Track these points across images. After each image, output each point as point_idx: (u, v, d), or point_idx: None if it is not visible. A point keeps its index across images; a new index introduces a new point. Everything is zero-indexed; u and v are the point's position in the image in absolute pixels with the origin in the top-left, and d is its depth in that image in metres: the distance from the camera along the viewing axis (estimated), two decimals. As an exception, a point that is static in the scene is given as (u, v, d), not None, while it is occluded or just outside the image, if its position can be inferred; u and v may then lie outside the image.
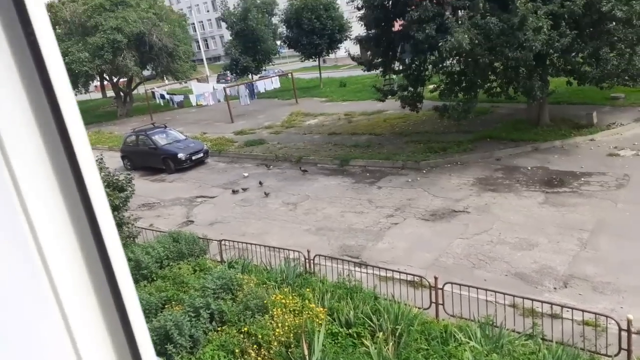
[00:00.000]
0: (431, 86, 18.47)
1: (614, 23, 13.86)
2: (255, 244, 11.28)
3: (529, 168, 14.76)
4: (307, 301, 8.47)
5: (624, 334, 6.63)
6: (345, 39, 37.64)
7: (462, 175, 15.12)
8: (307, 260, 10.23)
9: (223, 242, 11.42)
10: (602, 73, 14.93)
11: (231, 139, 24.75)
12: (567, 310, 7.44)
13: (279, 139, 23.50)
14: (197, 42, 76.46)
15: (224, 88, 31.78)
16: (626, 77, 15.54)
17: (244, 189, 16.95)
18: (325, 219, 13.54)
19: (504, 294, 7.83)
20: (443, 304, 8.22)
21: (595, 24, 14.47)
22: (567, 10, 13.83)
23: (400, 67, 19.00)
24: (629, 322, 6.61)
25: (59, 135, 0.73)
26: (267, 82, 33.47)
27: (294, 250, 10.69)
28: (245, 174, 18.74)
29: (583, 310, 7.28)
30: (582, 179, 13.30)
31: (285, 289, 8.98)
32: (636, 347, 6.80)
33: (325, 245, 11.93)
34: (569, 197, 12.42)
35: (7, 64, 0.68)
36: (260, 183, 17.22)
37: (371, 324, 7.68)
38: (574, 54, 15.31)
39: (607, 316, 7.08)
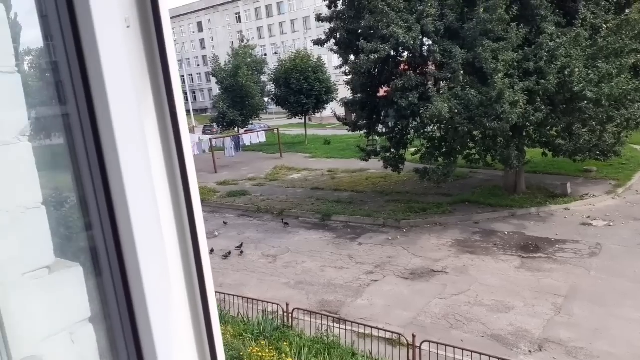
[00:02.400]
0: (413, 149, 19.12)
1: (585, 102, 14.77)
2: (233, 295, 11.18)
3: (506, 233, 15.15)
4: (284, 355, 8.39)
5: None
6: (332, 100, 38.94)
7: (442, 236, 15.40)
8: (285, 314, 10.17)
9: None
10: (575, 147, 15.72)
11: (214, 189, 24.84)
12: (542, 374, 7.52)
13: (262, 191, 23.70)
14: (186, 93, 78.05)
15: (210, 139, 32.23)
16: (597, 152, 16.38)
17: (238, 248, 15.85)
18: (304, 273, 13.53)
19: (480, 354, 7.89)
20: (420, 363, 8.21)
21: (568, 102, 15.38)
22: (542, 88, 14.73)
23: (384, 130, 19.69)
24: (601, 386, 6.71)
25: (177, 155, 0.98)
26: (253, 136, 34.11)
27: (272, 303, 10.64)
28: (217, 233, 17.69)
29: (557, 374, 7.37)
30: (557, 246, 13.69)
31: (262, 342, 8.89)
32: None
33: (304, 299, 11.88)
34: (544, 262, 12.73)
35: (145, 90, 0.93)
36: (224, 222, 17.13)
37: (348, 380, 7.61)
38: (548, 127, 16.13)
39: (580, 380, 7.17)
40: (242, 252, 15.68)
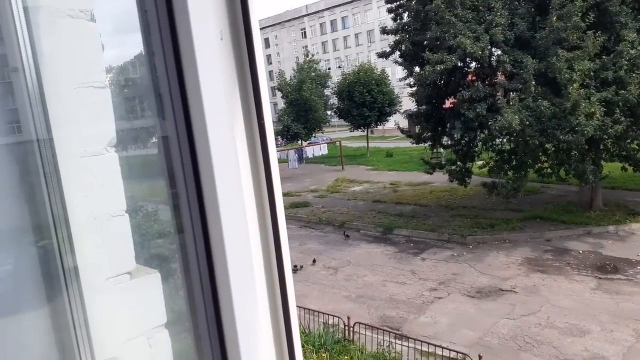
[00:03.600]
0: (480, 162, 18.54)
1: (671, 112, 13.76)
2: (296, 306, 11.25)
3: (580, 252, 14.25)
4: (344, 368, 8.32)
5: None
6: (395, 113, 38.68)
7: (510, 253, 14.74)
8: (346, 327, 10.11)
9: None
10: (658, 161, 14.63)
11: (277, 200, 25.25)
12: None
13: (324, 202, 23.84)
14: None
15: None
16: (684, 167, 15.13)
17: (313, 263, 15.56)
18: (366, 287, 13.39)
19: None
20: (487, 385, 7.85)
21: (651, 113, 14.40)
22: (622, 99, 13.88)
23: (449, 142, 19.26)
24: None
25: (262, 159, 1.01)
26: (316, 149, 34.49)
27: (333, 316, 10.61)
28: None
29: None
30: (638, 268, 12.70)
31: (323, 354, 8.87)
32: None
33: (365, 313, 11.75)
34: (624, 285, 11.84)
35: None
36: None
37: (410, 398, 7.41)
38: (629, 140, 15.16)
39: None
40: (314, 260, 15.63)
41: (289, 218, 21.80)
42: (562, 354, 9.20)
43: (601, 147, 15.81)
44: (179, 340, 1.20)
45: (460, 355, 8.67)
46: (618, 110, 14.20)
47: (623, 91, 13.86)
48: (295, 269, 15.04)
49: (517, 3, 15.92)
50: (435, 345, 8.93)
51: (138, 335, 1.20)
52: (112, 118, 1.25)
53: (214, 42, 0.92)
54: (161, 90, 0.98)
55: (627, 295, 11.25)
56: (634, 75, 13.78)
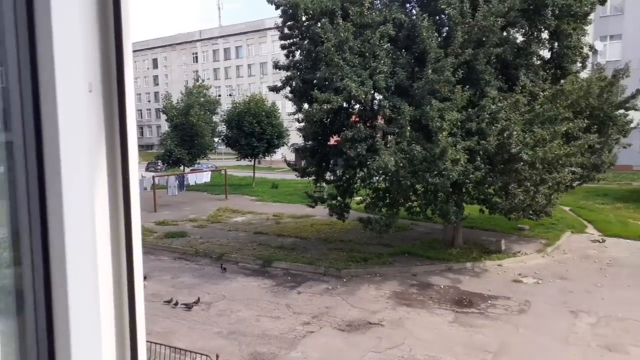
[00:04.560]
0: (358, 198, 19.33)
1: (521, 164, 15.56)
2: (159, 344, 10.51)
3: (442, 286, 15.32)
4: (206, 410, 7.86)
5: None
6: (283, 145, 39.19)
7: (380, 287, 15.37)
8: (213, 365, 9.63)
9: (124, 338, 10.54)
10: (510, 205, 16.37)
11: (151, 228, 23.91)
12: None
13: (202, 233, 23.04)
14: (134, 128, 76.13)
15: (153, 177, 31.38)
16: (530, 212, 17.11)
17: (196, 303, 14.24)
18: (239, 322, 13.01)
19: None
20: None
21: (505, 162, 16.14)
22: (482, 148, 15.41)
23: (332, 178, 19.86)
24: None
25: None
26: (199, 176, 33.59)
27: (201, 354, 10.07)
28: (144, 283, 16.43)
29: None
30: (489, 302, 13.94)
31: (185, 395, 8.31)
32: None
33: (235, 350, 11.36)
34: (476, 318, 12.89)
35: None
36: (145, 277, 15.98)
37: None
38: (486, 185, 16.78)
39: None
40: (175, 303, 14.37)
41: (162, 249, 20.69)
42: (420, 386, 9.64)
43: (463, 190, 17.33)
44: None
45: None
46: (479, 158, 15.71)
47: (484, 141, 15.40)
48: (188, 307, 14.02)
49: (399, 53, 17.17)
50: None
51: None
52: None
53: (80, 94, 0.87)
54: (15, 148, 0.90)
55: (479, 327, 12.24)
56: (493, 127, 15.41)
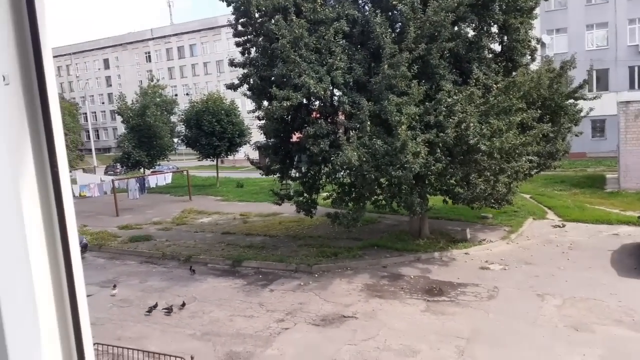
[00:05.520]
0: (324, 194, 19.47)
1: (480, 154, 16.06)
2: (132, 349, 10.32)
3: (412, 277, 15.68)
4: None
5: None
6: (245, 144, 38.85)
7: (352, 280, 15.58)
8: (190, 368, 9.54)
9: (96, 347, 10.29)
10: (472, 195, 16.89)
11: (115, 233, 23.31)
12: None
13: (168, 235, 22.64)
14: (88, 132, 73.93)
15: (112, 180, 30.53)
16: (492, 200, 17.72)
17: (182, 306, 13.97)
18: (212, 323, 12.91)
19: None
20: (331, 414, 8.04)
21: (465, 154, 16.62)
22: (441, 140, 15.80)
23: (297, 175, 19.90)
24: None
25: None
26: (160, 178, 32.90)
27: (175, 357, 9.94)
28: (114, 292, 15.52)
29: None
30: (459, 289, 14.39)
31: (164, 400, 8.21)
32: None
33: (210, 351, 11.29)
34: (447, 305, 13.28)
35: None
36: (114, 286, 15.66)
37: None
38: (448, 176, 17.22)
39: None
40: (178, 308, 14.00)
41: (127, 254, 20.22)
42: (397, 374, 9.87)
43: (426, 182, 17.73)
44: None
45: (306, 386, 8.76)
46: (439, 151, 16.09)
47: (442, 134, 15.80)
48: (168, 311, 13.68)
49: (354, 49, 17.34)
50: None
51: None
52: None
53: None
54: None
55: (450, 315, 12.63)
56: (450, 120, 15.82)
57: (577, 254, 16.97)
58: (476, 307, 13.03)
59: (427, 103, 16.30)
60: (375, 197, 18.14)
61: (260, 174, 21.73)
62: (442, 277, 15.50)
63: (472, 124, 15.49)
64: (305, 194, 19.15)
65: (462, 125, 15.59)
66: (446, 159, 16.14)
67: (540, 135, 18.14)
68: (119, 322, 13.22)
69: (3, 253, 0.83)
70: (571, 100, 21.02)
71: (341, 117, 18.04)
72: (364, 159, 15.32)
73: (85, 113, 77.79)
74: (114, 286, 15.69)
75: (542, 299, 13.32)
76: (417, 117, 15.98)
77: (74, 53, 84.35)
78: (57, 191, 0.92)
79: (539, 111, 18.18)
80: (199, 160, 41.36)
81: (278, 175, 20.19)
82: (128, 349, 10.38)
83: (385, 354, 10.71)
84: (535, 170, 20.52)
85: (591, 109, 21.67)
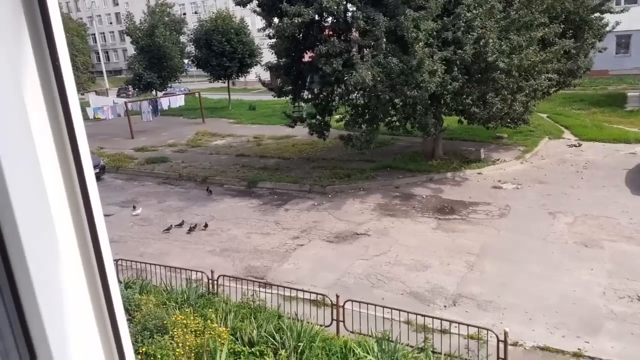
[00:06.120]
0: (337, 116, 19.33)
1: (498, 72, 15.58)
2: (155, 264, 10.87)
3: (424, 196, 15.89)
4: (209, 321, 8.32)
5: (502, 346, 7.37)
6: (256, 64, 38.02)
7: (365, 200, 15.86)
8: (210, 281, 10.07)
9: (119, 262, 10.84)
10: (488, 115, 16.63)
11: (131, 155, 23.68)
12: (455, 326, 8.12)
13: (184, 157, 22.95)
14: (98, 53, 72.73)
15: (125, 102, 30.47)
16: (508, 120, 17.46)
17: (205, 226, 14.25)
18: (230, 240, 13.42)
19: (400, 310, 8.34)
20: (344, 321, 8.53)
21: (482, 72, 16.16)
22: (459, 58, 15.31)
23: (309, 96, 19.63)
24: (505, 334, 7.38)
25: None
26: (172, 100, 32.73)
27: (196, 271, 10.48)
28: (138, 211, 15.99)
29: (468, 325, 7.98)
30: (470, 208, 14.60)
31: (187, 310, 8.74)
32: (511, 357, 7.59)
33: (229, 266, 11.82)
34: (458, 223, 13.56)
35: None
36: (134, 207, 16.14)
37: (274, 342, 7.75)
38: (464, 96, 16.89)
39: (488, 329, 7.81)
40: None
41: (145, 175, 20.65)
42: (408, 287, 10.33)
43: (441, 102, 17.43)
44: None
45: (320, 296, 9.23)
46: (456, 69, 15.65)
47: (460, 51, 15.28)
48: (190, 229, 14.12)
49: (370, -40, 16.37)
50: (297, 290, 9.37)
51: None
52: None
53: None
54: None
55: (461, 232, 12.93)
56: (469, 36, 15.22)
57: (591, 173, 16.93)
58: (487, 225, 13.29)
59: (445, 18, 15.61)
60: (389, 118, 17.96)
61: (272, 95, 21.49)
62: (454, 196, 15.69)
63: (491, 40, 14.90)
64: (318, 116, 19.01)
65: (480, 41, 15.01)
66: (463, 78, 15.73)
67: (562, 52, 17.46)
68: (141, 240, 13.80)
69: (10, 155, 0.80)
70: (597, 14, 19.95)
71: (355, 34, 17.40)
72: (379, 78, 14.98)
73: (94, 34, 76.10)
74: (134, 207, 16.18)
75: (553, 217, 13.49)
76: (434, 34, 15.38)
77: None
78: (60, 85, 0.86)
79: (562, 26, 17.34)
80: (210, 82, 40.84)
81: (290, 96, 19.95)
82: (150, 264, 10.93)
83: (397, 268, 11.13)
84: (554, 89, 20.01)
85: (617, 23, 20.60)
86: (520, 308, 9.28)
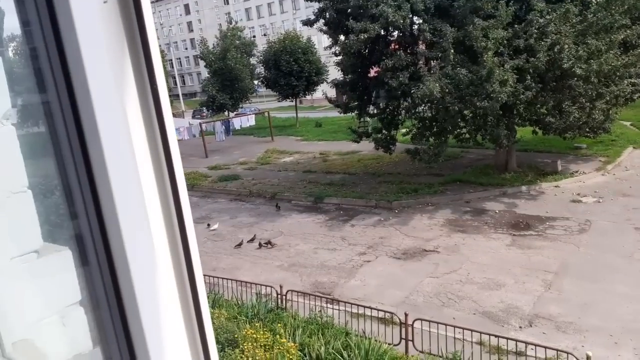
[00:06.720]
0: (404, 130, 19.15)
1: (574, 79, 14.78)
2: (226, 279, 11.23)
3: (497, 211, 15.25)
4: (278, 336, 8.44)
5: (586, 372, 6.86)
6: (322, 82, 38.65)
7: (433, 216, 15.50)
8: (279, 296, 10.23)
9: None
10: (564, 124, 15.77)
11: (205, 173, 24.74)
12: (532, 348, 7.66)
13: (254, 174, 23.65)
14: (174, 78, 77.12)
15: (200, 123, 31.99)
16: (587, 129, 16.46)
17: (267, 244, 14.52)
18: (298, 255, 13.59)
19: (472, 331, 8.01)
20: (413, 341, 8.33)
21: (557, 79, 15.40)
22: (532, 66, 14.71)
23: (375, 111, 19.63)
24: (588, 359, 6.86)
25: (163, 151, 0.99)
26: (244, 119, 33.94)
27: (265, 286, 10.70)
28: (215, 226, 16.63)
29: (546, 347, 7.50)
30: (547, 223, 13.82)
31: (257, 324, 8.93)
32: (597, 385, 7.04)
33: (297, 281, 11.95)
34: (534, 240, 12.87)
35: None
36: (208, 225, 16.66)
37: (341, 359, 7.70)
38: (538, 105, 16.17)
39: (568, 353, 7.30)
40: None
41: (218, 192, 21.49)
42: (480, 307, 9.91)
43: (514, 112, 16.75)
44: (94, 317, 1.17)
45: (388, 314, 9.09)
46: (529, 77, 15.04)
47: (533, 58, 14.67)
48: (239, 244, 14.69)
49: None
50: (364, 307, 9.29)
51: (50, 315, 1.15)
52: (6, 90, 1.15)
53: (95, 6, 0.86)
54: (40, 63, 0.92)
55: (537, 249, 12.26)
56: (542, 43, 14.60)
57: (684, 185, 15.50)
58: (566, 241, 12.51)
59: (516, 25, 15.11)
60: (458, 130, 17.52)
61: (338, 112, 21.71)
62: (529, 211, 14.93)
63: (566, 46, 14.20)
64: (383, 131, 18.93)
65: (555, 47, 14.35)
66: (536, 86, 15.07)
67: (647, 55, 16.24)
68: (214, 255, 14.32)
69: (115, 164, 0.89)
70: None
71: (421, 46, 17.24)
72: (447, 90, 14.71)
73: (171, 60, 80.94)
74: (208, 225, 16.72)
75: (640, 232, 12.47)
76: (504, 42, 14.91)
77: (156, 0, 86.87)
78: (159, 111, 0.95)
79: (646, 27, 16.16)
80: (279, 101, 42.00)
81: (356, 112, 20.05)
82: (223, 278, 11.31)
83: (468, 287, 10.73)
84: (638, 95, 18.58)
85: None
86: (604, 331, 8.60)
